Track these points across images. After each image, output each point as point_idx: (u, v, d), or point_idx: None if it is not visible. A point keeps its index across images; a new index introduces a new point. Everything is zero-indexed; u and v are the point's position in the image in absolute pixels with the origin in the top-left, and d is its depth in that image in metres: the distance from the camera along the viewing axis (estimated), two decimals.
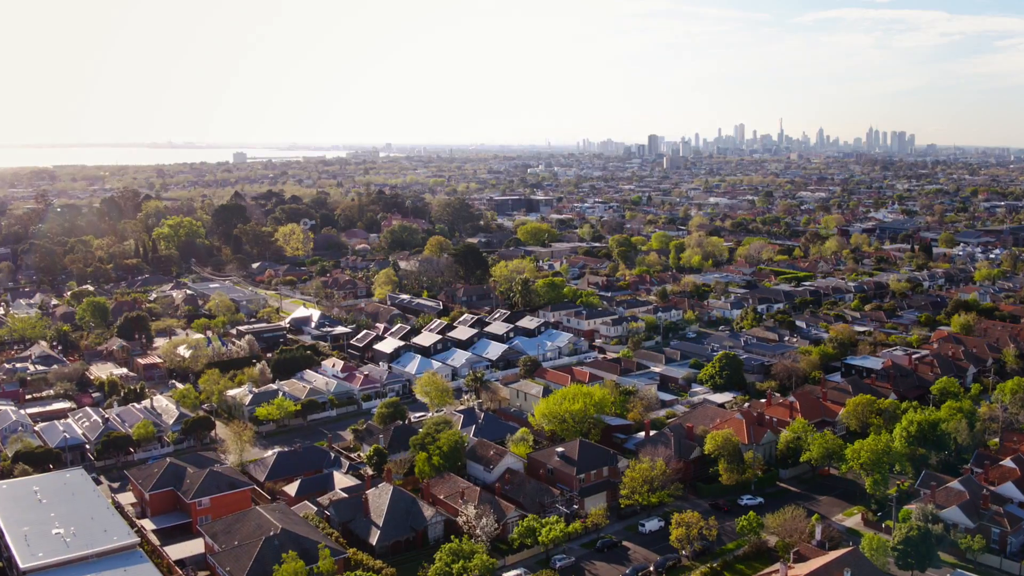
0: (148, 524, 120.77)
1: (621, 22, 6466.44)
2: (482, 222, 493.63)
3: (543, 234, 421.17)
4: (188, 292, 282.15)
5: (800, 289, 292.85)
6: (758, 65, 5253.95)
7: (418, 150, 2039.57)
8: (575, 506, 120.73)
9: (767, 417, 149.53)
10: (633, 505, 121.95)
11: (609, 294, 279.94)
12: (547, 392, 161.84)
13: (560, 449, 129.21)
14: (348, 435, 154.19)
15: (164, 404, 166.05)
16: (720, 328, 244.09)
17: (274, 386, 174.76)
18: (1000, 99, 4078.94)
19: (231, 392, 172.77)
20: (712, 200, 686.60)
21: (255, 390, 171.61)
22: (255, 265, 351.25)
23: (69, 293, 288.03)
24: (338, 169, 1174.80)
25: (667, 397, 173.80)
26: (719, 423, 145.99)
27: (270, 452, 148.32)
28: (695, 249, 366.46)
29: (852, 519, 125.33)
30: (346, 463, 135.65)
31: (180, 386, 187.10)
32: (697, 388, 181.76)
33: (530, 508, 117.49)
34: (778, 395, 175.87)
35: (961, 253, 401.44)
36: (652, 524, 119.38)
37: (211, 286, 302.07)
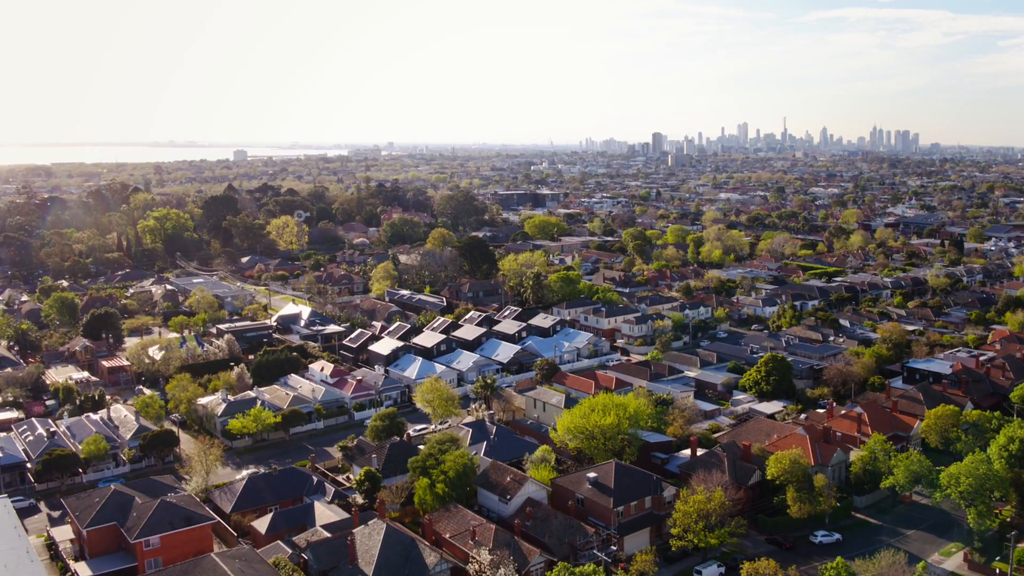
0: (84, 569, 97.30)
1: (624, 22, 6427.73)
2: (487, 216, 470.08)
3: (552, 228, 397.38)
4: (168, 287, 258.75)
5: (834, 285, 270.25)
6: (761, 64, 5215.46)
7: (420, 149, 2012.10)
8: (613, 547, 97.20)
9: (833, 432, 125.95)
10: (685, 546, 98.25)
11: (627, 290, 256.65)
12: (570, 402, 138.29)
13: (592, 474, 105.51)
14: (336, 452, 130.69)
15: (123, 415, 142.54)
16: (753, 327, 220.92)
17: (252, 393, 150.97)
18: (1004, 99, 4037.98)
19: (202, 400, 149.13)
20: (723, 196, 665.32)
21: (230, 398, 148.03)
22: (244, 259, 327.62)
23: (39, 289, 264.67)
24: (339, 166, 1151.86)
25: (707, 406, 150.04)
26: (776, 440, 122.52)
27: (242, 474, 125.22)
28: (715, 243, 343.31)
29: (952, 560, 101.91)
30: (331, 489, 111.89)
31: (148, 392, 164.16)
32: (739, 396, 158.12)
33: (558, 551, 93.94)
34: (833, 403, 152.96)
35: (993, 248, 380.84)
36: (710, 572, 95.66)
37: (194, 281, 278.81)
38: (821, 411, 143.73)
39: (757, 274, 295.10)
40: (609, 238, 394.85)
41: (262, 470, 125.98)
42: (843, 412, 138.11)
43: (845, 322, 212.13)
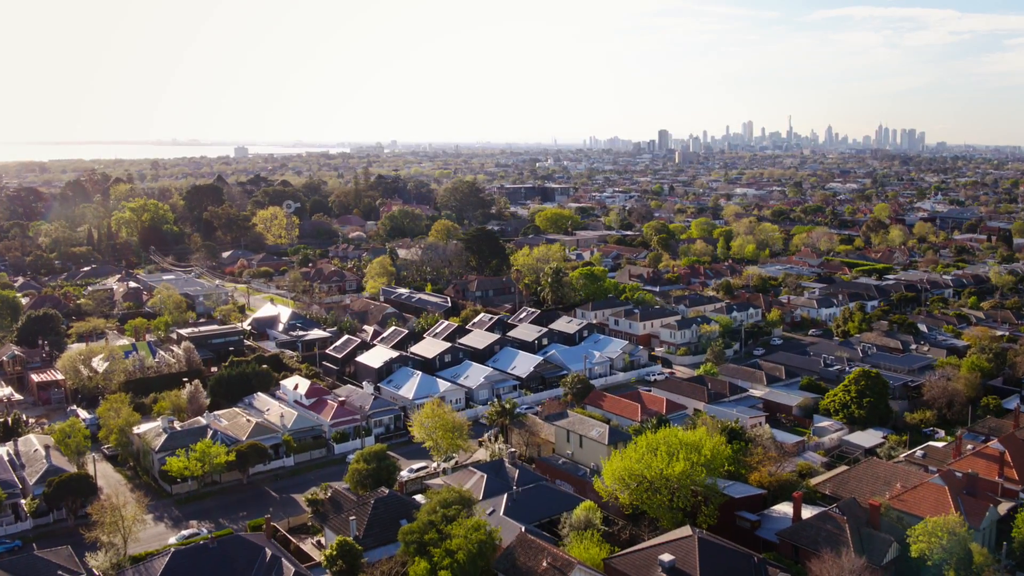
0: None
1: (629, 21, 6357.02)
2: (494, 210, 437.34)
3: (565, 221, 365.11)
4: (132, 285, 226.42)
5: (890, 283, 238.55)
6: (766, 63, 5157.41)
7: (423, 147, 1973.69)
8: None
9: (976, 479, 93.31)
10: None
11: (657, 288, 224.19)
12: (614, 433, 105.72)
13: (667, 557, 72.75)
14: (305, 503, 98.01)
15: (33, 448, 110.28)
16: (811, 331, 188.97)
17: (203, 420, 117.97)
18: (1009, 97, 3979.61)
19: (139, 429, 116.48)
20: (739, 191, 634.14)
21: (176, 426, 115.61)
22: (226, 254, 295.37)
23: None
24: (340, 162, 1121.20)
25: (787, 438, 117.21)
26: (902, 491, 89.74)
27: (178, 536, 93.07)
28: (746, 237, 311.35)
29: None
30: (291, 569, 79.09)
31: (82, 415, 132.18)
32: (822, 422, 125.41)
33: None
34: (941, 432, 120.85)
35: None
36: None
37: (165, 277, 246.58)
38: (937, 444, 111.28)
39: (799, 271, 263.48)
40: (627, 232, 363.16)
41: (205, 530, 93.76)
42: (971, 448, 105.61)
43: (922, 326, 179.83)
